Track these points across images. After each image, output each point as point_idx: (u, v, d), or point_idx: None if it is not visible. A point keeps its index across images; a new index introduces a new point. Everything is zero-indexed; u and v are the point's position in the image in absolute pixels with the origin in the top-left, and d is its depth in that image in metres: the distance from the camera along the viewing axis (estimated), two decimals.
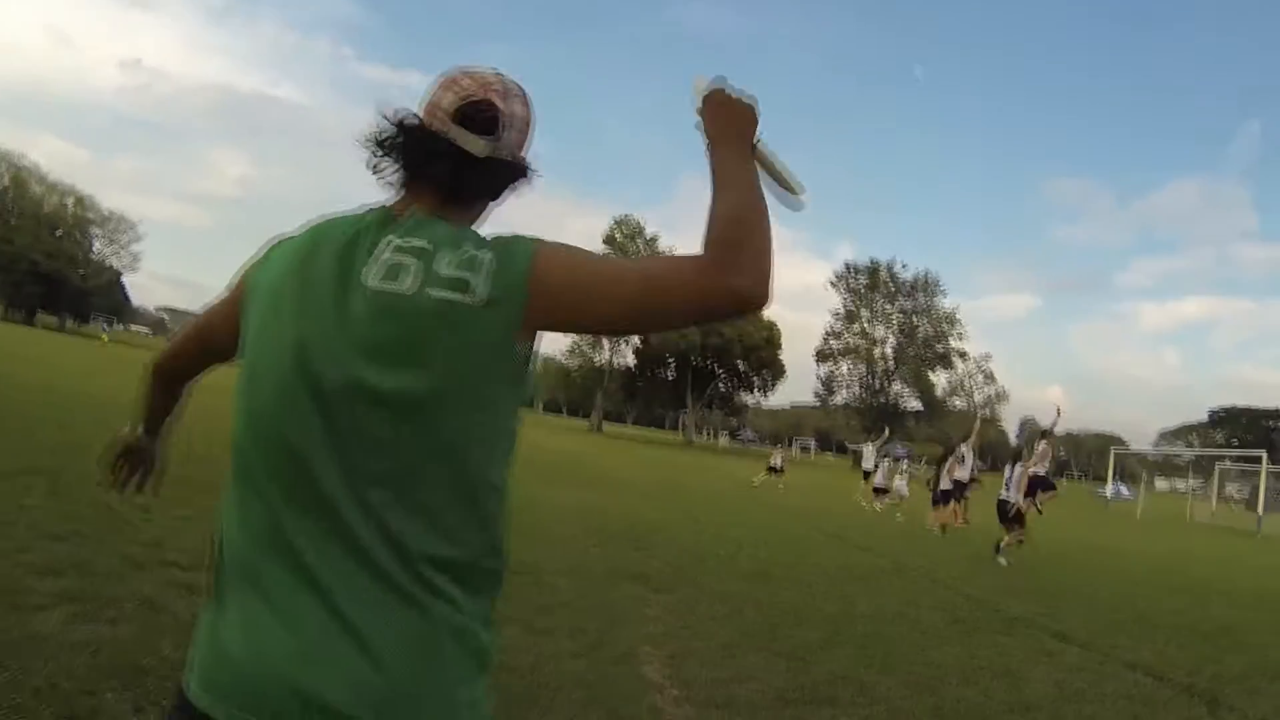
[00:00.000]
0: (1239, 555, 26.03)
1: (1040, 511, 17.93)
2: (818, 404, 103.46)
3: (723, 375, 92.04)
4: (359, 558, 1.51)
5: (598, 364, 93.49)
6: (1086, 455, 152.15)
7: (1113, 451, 68.89)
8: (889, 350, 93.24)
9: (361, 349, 1.53)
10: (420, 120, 1.72)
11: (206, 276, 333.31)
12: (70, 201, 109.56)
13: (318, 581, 1.50)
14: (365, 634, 1.49)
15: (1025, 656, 7.75)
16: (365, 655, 1.48)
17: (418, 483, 1.55)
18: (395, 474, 1.53)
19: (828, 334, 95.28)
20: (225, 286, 1.89)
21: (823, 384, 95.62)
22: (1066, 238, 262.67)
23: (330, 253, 1.63)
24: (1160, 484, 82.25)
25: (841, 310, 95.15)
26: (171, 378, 2.15)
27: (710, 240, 1.56)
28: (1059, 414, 19.00)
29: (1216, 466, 62.23)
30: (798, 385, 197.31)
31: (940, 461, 22.84)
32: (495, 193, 1.81)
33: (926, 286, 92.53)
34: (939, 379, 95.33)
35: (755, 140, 1.78)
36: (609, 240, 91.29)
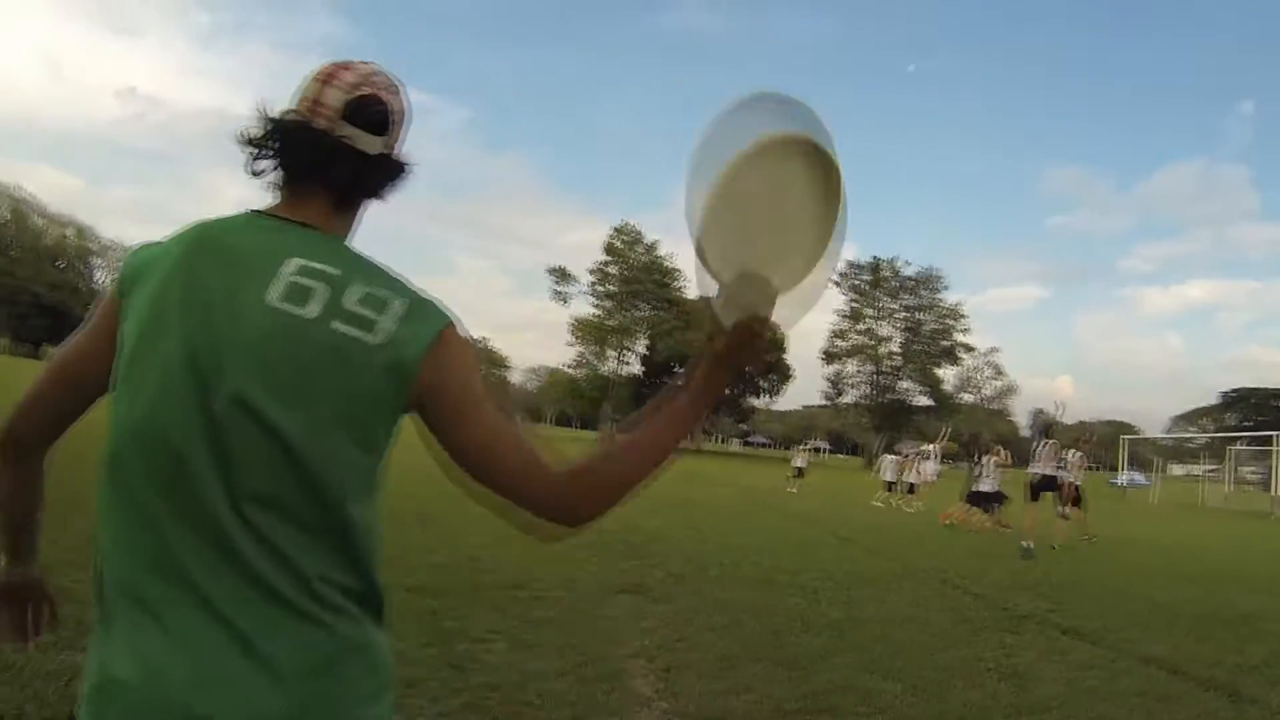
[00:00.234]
0: (1254, 539, 25.78)
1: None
2: (827, 404, 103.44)
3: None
4: (250, 576, 1.46)
5: (604, 373, 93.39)
6: (1099, 444, 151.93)
7: (1123, 440, 68.71)
8: (895, 347, 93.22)
9: (252, 365, 1.48)
10: (305, 119, 1.62)
11: None
12: (70, 233, 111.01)
13: (210, 601, 1.44)
14: (262, 653, 1.44)
15: (1034, 655, 7.50)
16: (264, 675, 1.44)
17: (297, 507, 1.50)
18: (276, 496, 1.48)
19: (833, 334, 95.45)
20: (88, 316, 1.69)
21: (831, 384, 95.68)
22: (1067, 226, 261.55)
23: (219, 261, 1.55)
24: (1175, 469, 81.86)
25: (846, 309, 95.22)
26: (29, 448, 1.73)
27: (589, 473, 1.69)
28: (1059, 407, 18.99)
29: (1229, 449, 61.95)
30: (806, 387, 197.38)
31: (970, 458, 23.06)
32: (382, 192, 1.73)
33: (929, 282, 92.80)
34: (947, 374, 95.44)
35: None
36: (609, 249, 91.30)
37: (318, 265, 1.55)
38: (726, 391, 1.79)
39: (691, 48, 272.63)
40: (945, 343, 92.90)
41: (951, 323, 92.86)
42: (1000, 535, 19.23)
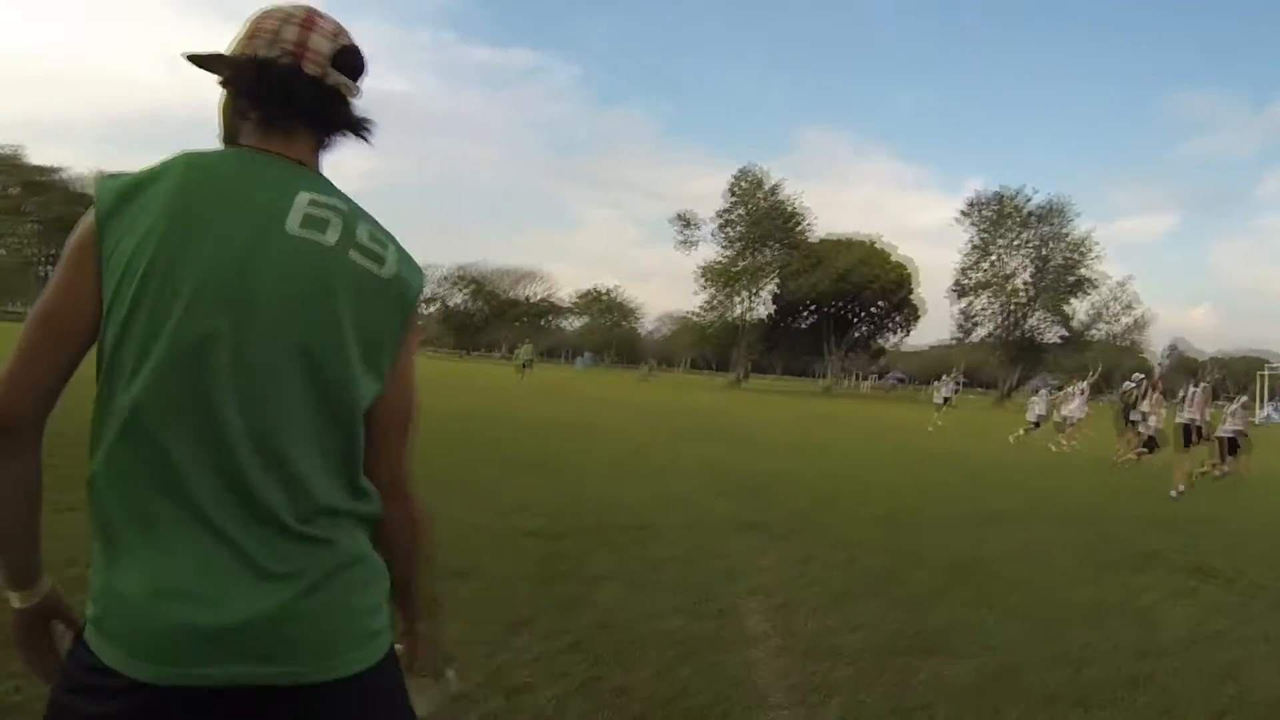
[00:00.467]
0: None
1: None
2: (957, 341, 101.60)
3: (860, 319, 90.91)
4: (256, 506, 1.54)
5: (733, 319, 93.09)
6: (1235, 378, 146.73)
7: (1260, 373, 66.13)
8: (1024, 281, 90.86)
9: (278, 290, 1.55)
10: (295, 64, 1.67)
11: None
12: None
13: (214, 524, 1.52)
14: (266, 570, 1.54)
15: (1160, 595, 7.27)
16: (267, 589, 1.54)
17: (316, 431, 1.60)
18: (297, 421, 1.58)
19: (962, 269, 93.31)
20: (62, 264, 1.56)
21: (961, 321, 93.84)
22: (1198, 152, 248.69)
23: (225, 194, 1.57)
24: None
25: (973, 244, 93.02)
26: (26, 430, 1.54)
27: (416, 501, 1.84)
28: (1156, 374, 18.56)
29: None
30: (936, 324, 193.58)
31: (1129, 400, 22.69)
32: (365, 136, 1.80)
33: (1057, 212, 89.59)
34: (1078, 307, 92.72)
35: None
36: (732, 193, 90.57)
37: (326, 199, 1.65)
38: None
39: None
40: (1075, 275, 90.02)
41: (1081, 254, 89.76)
42: (1136, 466, 18.84)
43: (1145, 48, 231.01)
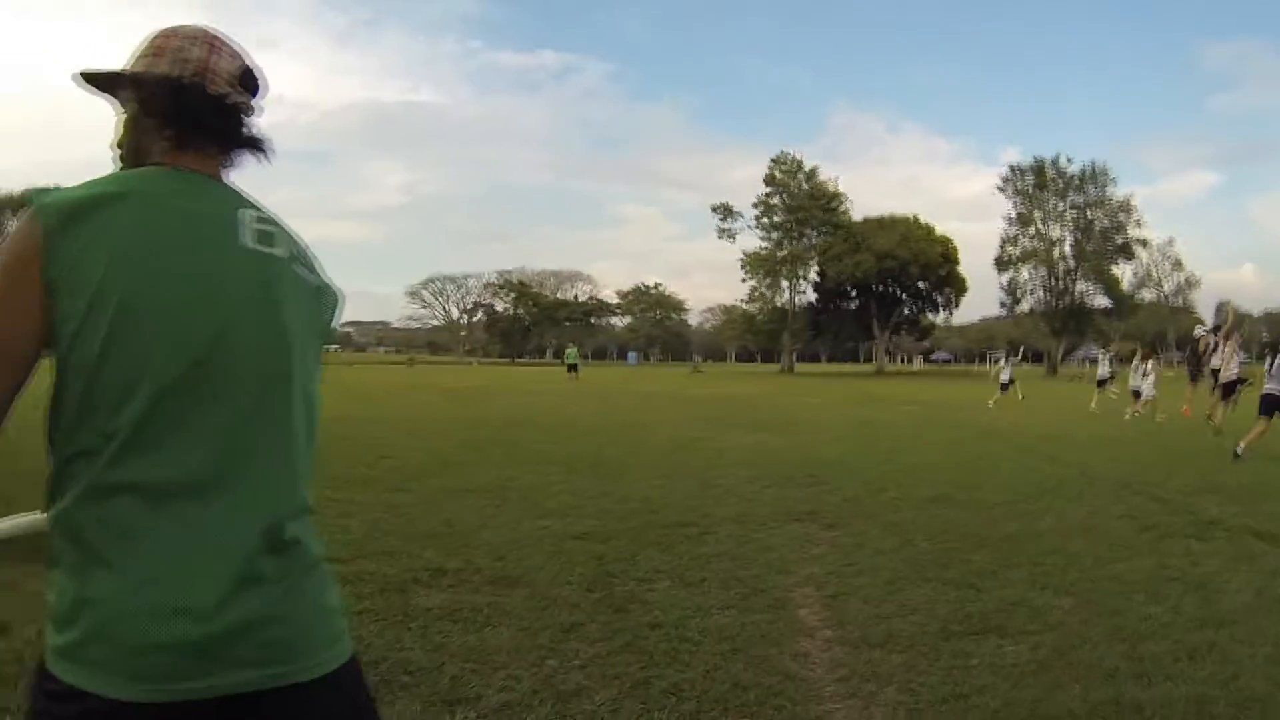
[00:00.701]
0: None
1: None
2: (1004, 314, 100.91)
3: (906, 298, 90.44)
4: (249, 513, 1.63)
5: (780, 305, 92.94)
6: None
7: None
8: (1068, 249, 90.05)
9: (250, 299, 1.66)
10: (200, 84, 1.75)
11: (383, 285, 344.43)
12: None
13: (207, 530, 1.59)
14: (258, 574, 1.62)
15: (1222, 563, 7.10)
16: (258, 591, 1.62)
17: (298, 429, 1.76)
18: (283, 421, 1.73)
19: (1004, 241, 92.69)
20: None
21: (1006, 293, 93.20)
22: (1234, 104, 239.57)
23: (177, 213, 1.64)
24: None
25: (1014, 214, 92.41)
26: None
27: None
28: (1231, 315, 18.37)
29: None
30: (982, 297, 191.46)
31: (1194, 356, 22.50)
32: (265, 153, 1.88)
33: (1096, 177, 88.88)
34: (1123, 272, 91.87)
35: None
36: (770, 180, 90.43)
37: (264, 214, 1.77)
38: None
39: None
40: (1119, 239, 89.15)
41: (1123, 217, 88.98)
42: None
43: (1168, 2, 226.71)
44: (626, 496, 9.86)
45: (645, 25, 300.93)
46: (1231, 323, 21.79)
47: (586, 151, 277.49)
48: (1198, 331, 24.03)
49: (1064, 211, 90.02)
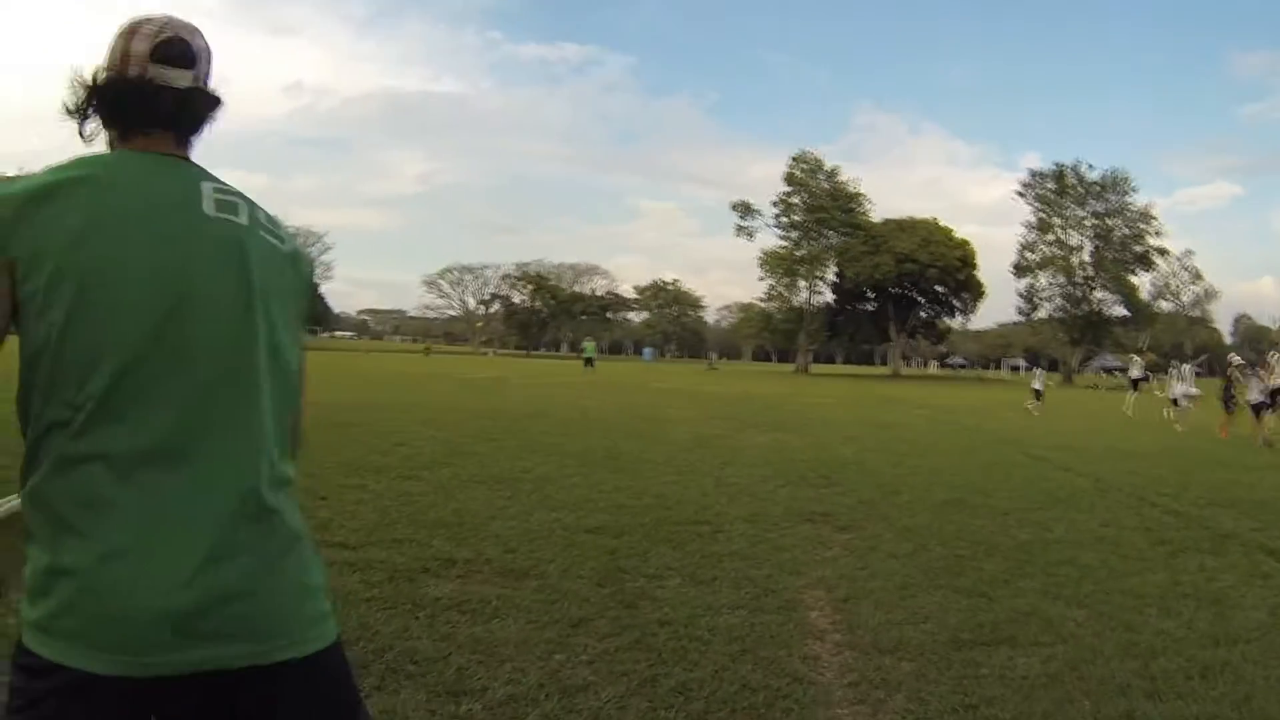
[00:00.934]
0: None
1: None
2: (1021, 320, 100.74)
3: (923, 301, 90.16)
4: (223, 483, 1.64)
5: (797, 304, 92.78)
6: None
7: None
8: (1087, 257, 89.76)
9: (220, 275, 1.68)
10: (118, 74, 1.76)
11: (402, 274, 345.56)
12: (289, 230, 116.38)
13: (171, 503, 1.60)
14: (231, 547, 1.64)
15: (1236, 579, 7.02)
16: (230, 567, 1.62)
17: (275, 394, 1.76)
18: (256, 385, 1.72)
19: (1022, 247, 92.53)
20: None
21: (1024, 299, 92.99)
22: (1261, 115, 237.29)
23: (140, 191, 1.68)
24: None
25: (1033, 220, 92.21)
26: None
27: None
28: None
29: None
30: (1000, 303, 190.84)
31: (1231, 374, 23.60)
32: (202, 120, 1.85)
33: (1116, 185, 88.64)
34: (1142, 281, 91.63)
35: None
36: (790, 179, 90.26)
37: (225, 186, 1.80)
38: None
39: None
40: (1138, 248, 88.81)
41: (1143, 226, 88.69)
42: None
43: (1198, 10, 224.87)
44: (640, 492, 9.84)
45: (666, 19, 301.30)
46: (1273, 361, 22.25)
47: (605, 145, 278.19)
48: (1233, 360, 24.42)
49: (1083, 219, 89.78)
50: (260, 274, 1.73)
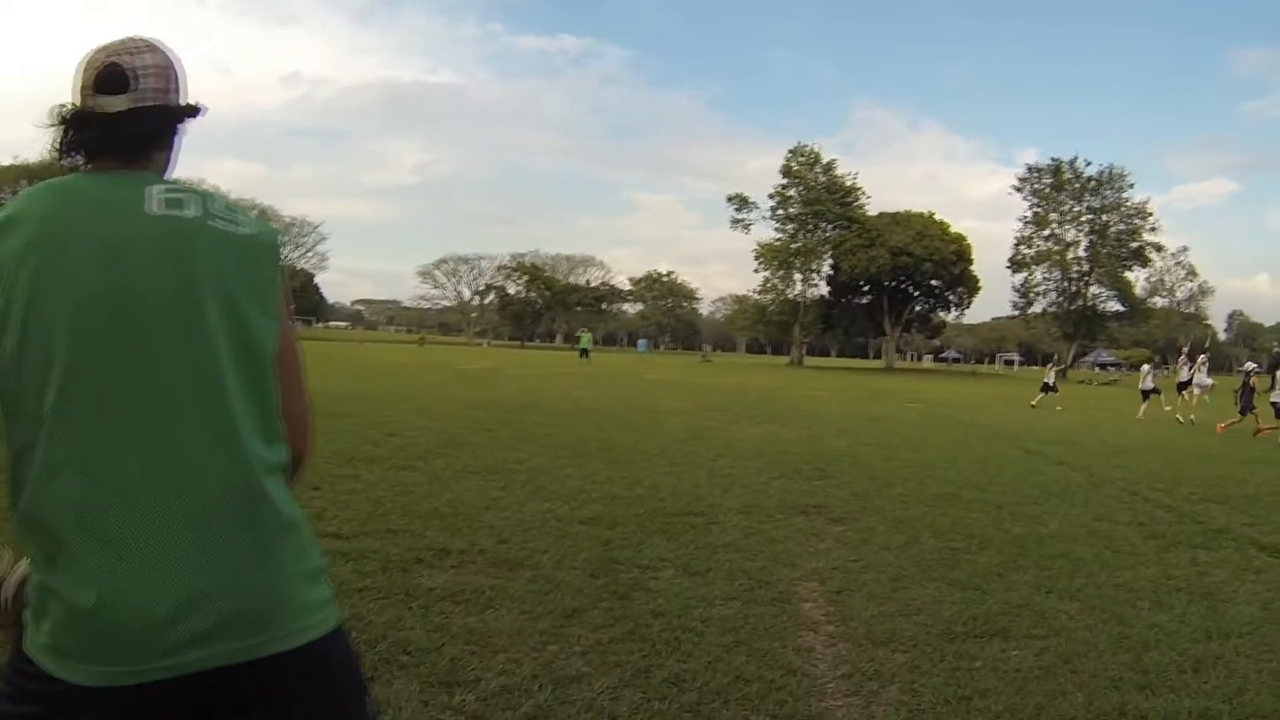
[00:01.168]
0: None
1: None
2: (1016, 315, 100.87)
3: (918, 295, 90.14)
4: (200, 478, 1.65)
5: (792, 297, 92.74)
6: None
7: None
8: (1082, 252, 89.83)
9: (163, 268, 1.69)
10: (76, 106, 1.81)
11: (397, 264, 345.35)
12: (254, 215, 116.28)
13: (158, 510, 1.61)
14: (212, 548, 1.64)
15: (1229, 574, 7.05)
16: (213, 567, 1.63)
17: (240, 383, 1.74)
18: (220, 376, 1.71)
19: (1018, 241, 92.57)
20: None
21: (1019, 293, 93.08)
22: (1259, 113, 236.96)
23: (87, 200, 1.72)
24: None
25: (1029, 215, 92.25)
26: None
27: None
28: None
29: None
30: (995, 297, 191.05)
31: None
32: (154, 136, 1.88)
33: (1113, 181, 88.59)
34: (1137, 277, 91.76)
35: None
36: (787, 171, 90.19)
37: (176, 185, 1.81)
38: None
39: None
40: (1133, 244, 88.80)
41: (1139, 222, 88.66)
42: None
43: (1197, 5, 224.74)
44: (634, 483, 9.84)
45: (666, 13, 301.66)
46: None
47: (603, 137, 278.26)
48: (1248, 366, 25.27)
49: (1079, 214, 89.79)
50: (212, 262, 1.74)
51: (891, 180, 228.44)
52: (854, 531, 8.02)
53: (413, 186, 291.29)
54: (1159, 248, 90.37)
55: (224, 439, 1.67)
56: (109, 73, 1.81)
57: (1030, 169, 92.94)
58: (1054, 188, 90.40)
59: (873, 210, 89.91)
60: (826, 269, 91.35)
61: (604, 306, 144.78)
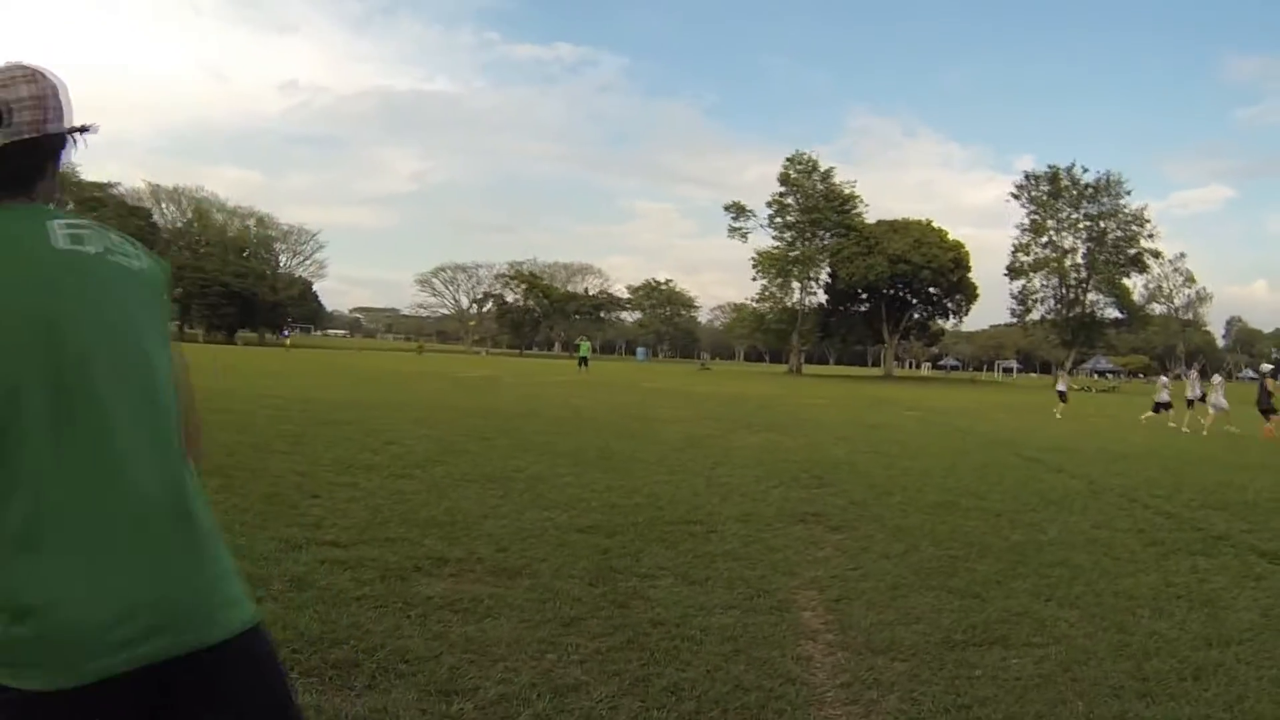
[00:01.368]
0: None
1: None
2: (1014, 322, 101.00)
3: (916, 302, 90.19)
4: (135, 490, 1.74)
5: (790, 305, 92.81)
6: None
7: None
8: (1080, 259, 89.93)
9: (75, 302, 1.75)
10: None
11: (395, 272, 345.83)
12: (252, 222, 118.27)
13: (104, 522, 1.70)
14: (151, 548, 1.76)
15: (1228, 581, 7.04)
16: (155, 568, 1.76)
17: (150, 407, 1.84)
18: (137, 402, 1.81)
19: (1016, 248, 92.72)
20: None
21: (1017, 301, 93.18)
22: (1254, 119, 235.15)
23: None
24: None
25: (1027, 223, 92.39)
26: None
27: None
28: None
29: None
30: (992, 305, 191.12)
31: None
32: (32, 169, 1.89)
33: (1110, 188, 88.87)
34: (1135, 284, 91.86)
35: None
36: (785, 179, 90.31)
37: (74, 221, 1.87)
38: None
39: None
40: (1131, 250, 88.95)
41: (1137, 229, 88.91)
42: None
43: (1193, 13, 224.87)
44: (633, 491, 9.82)
45: (661, 20, 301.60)
46: None
47: (600, 145, 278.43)
48: (1264, 369, 26.02)
49: (1077, 221, 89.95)
50: (120, 295, 1.85)
51: (888, 187, 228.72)
52: (853, 540, 8.00)
53: (410, 194, 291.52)
54: (1157, 254, 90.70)
55: (156, 456, 1.79)
56: None
57: (1028, 176, 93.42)
58: (1051, 195, 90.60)
59: (870, 218, 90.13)
60: (824, 277, 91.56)
61: (602, 315, 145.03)
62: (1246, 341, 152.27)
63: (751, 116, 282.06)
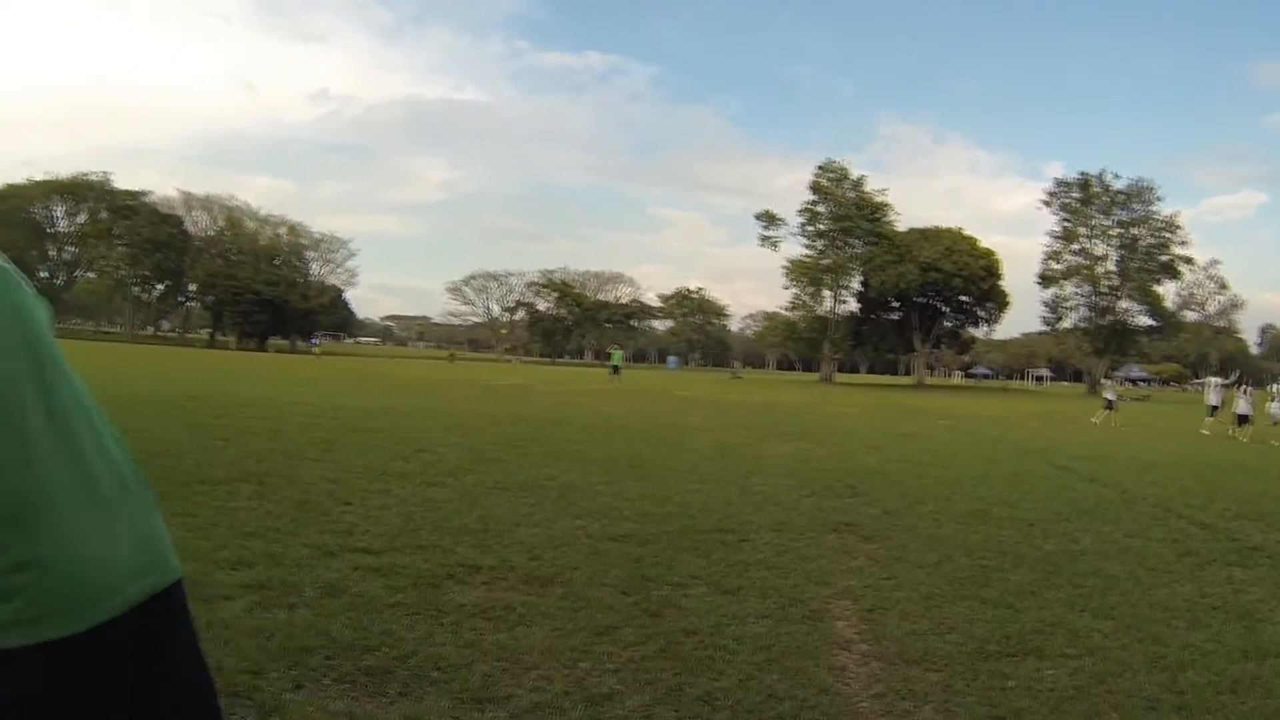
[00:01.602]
0: None
1: None
2: (1046, 330, 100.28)
3: (948, 311, 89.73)
4: (112, 467, 1.89)
5: (822, 313, 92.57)
6: None
7: None
8: (1112, 266, 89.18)
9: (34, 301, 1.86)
10: None
11: (426, 280, 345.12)
12: (283, 231, 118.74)
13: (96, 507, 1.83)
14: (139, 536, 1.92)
15: (1265, 592, 6.97)
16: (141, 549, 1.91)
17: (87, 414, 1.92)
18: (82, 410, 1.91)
19: (1047, 256, 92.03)
20: None
21: (1049, 309, 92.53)
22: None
23: None
24: None
25: (1058, 230, 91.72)
26: None
27: None
28: None
29: None
30: (1024, 313, 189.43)
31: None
32: None
33: (1141, 194, 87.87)
34: (1167, 291, 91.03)
35: None
36: (816, 188, 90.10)
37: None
38: None
39: None
40: (1163, 257, 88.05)
41: (1168, 235, 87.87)
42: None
43: (1223, 20, 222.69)
44: (665, 499, 9.83)
45: (691, 29, 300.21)
46: None
47: (630, 153, 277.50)
48: None
49: (1108, 228, 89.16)
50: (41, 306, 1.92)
51: (917, 194, 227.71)
52: (886, 549, 7.98)
53: (440, 203, 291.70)
54: (1189, 261, 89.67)
55: (113, 439, 1.92)
56: None
57: (1058, 183, 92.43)
58: (1082, 201, 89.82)
59: (901, 226, 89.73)
60: (856, 285, 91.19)
61: (634, 323, 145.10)
62: None
63: (778, 124, 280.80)
